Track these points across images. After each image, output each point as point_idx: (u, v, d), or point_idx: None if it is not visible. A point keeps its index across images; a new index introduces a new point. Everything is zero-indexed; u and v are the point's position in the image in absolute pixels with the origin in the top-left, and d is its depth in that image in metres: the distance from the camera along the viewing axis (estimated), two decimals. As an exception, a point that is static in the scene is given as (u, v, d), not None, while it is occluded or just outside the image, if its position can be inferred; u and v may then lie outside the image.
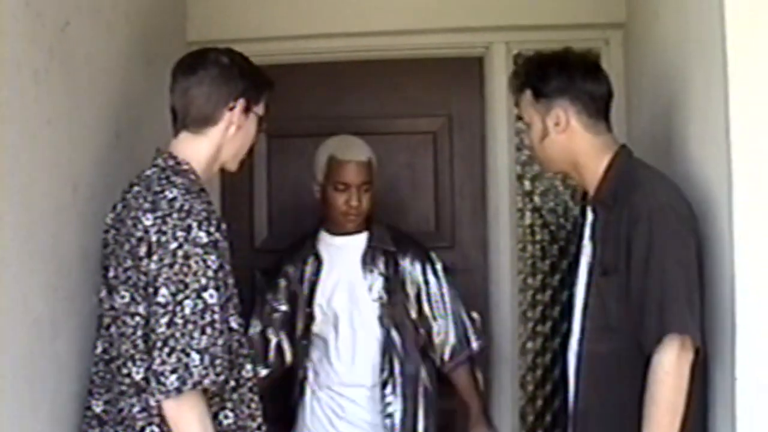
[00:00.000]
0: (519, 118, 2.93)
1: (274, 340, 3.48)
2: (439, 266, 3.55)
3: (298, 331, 3.46)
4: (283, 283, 3.48)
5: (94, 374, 2.50)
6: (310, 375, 3.47)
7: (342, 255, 3.47)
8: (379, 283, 3.44)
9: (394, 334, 3.44)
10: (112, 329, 2.45)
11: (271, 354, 3.48)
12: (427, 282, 3.52)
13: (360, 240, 3.49)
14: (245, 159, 2.75)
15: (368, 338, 3.43)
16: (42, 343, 2.39)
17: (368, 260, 3.46)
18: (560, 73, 2.73)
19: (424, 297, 3.51)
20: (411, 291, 3.50)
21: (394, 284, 3.46)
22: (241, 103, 2.58)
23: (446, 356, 3.53)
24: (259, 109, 2.68)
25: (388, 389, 3.42)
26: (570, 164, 2.76)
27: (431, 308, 3.51)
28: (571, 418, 2.76)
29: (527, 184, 3.95)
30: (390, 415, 3.42)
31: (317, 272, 3.44)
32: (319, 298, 3.43)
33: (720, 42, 2.42)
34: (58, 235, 2.51)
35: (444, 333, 3.52)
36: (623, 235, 2.53)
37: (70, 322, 2.54)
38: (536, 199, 3.94)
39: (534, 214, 3.95)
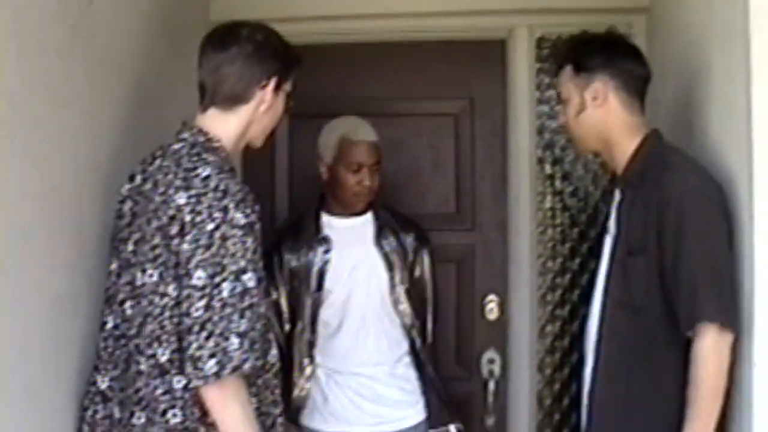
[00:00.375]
0: (557, 95, 2.94)
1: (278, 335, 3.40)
2: (430, 251, 3.59)
3: (305, 317, 3.40)
4: (279, 269, 3.44)
5: (102, 350, 2.46)
6: (322, 360, 3.42)
7: (351, 236, 3.45)
8: (391, 260, 3.45)
9: (409, 310, 3.46)
10: (128, 305, 2.41)
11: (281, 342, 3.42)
12: (422, 263, 3.56)
13: (366, 220, 3.49)
14: (269, 136, 2.72)
15: (385, 316, 3.44)
16: (64, 321, 2.41)
17: (381, 239, 3.47)
18: (603, 49, 2.78)
19: (420, 279, 3.55)
20: (415, 271, 3.53)
21: (403, 262, 3.48)
22: (273, 82, 2.55)
23: (429, 339, 3.56)
24: (288, 86, 2.64)
25: (409, 364, 3.45)
26: (603, 142, 2.78)
27: (424, 291, 3.56)
28: (586, 399, 2.77)
29: (548, 168, 3.94)
30: (413, 391, 3.45)
31: (327, 255, 3.41)
32: (331, 281, 3.40)
33: (743, 25, 2.42)
34: (81, 212, 2.52)
35: (429, 317, 3.57)
36: (653, 216, 2.54)
37: (90, 299, 2.54)
38: (557, 182, 3.94)
39: (554, 197, 3.95)
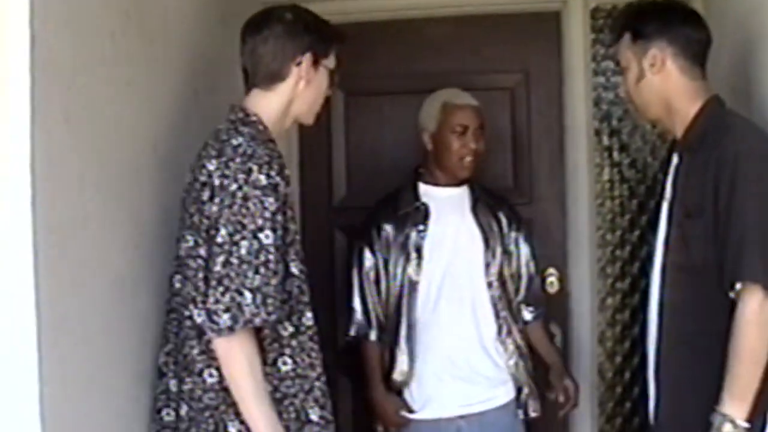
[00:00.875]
0: (617, 64, 2.92)
1: (374, 305, 3.44)
2: (523, 225, 3.57)
3: (395, 288, 3.40)
4: (378, 239, 3.43)
5: (163, 325, 2.57)
6: (417, 332, 3.38)
7: (449, 206, 3.45)
8: (488, 232, 3.45)
9: (500, 284, 3.44)
10: (176, 279, 2.51)
11: (377, 319, 3.43)
12: (517, 240, 3.53)
13: (463, 192, 3.49)
14: (321, 112, 2.75)
15: (480, 288, 3.42)
16: (124, 301, 2.44)
17: (479, 211, 3.46)
18: (660, 16, 2.74)
19: (514, 254, 3.52)
20: (509, 248, 3.51)
21: (498, 237, 3.47)
22: (308, 58, 2.59)
23: (534, 311, 3.56)
24: (329, 62, 2.67)
25: (502, 341, 3.42)
26: (663, 108, 2.74)
27: (519, 265, 3.53)
28: (652, 369, 2.75)
29: (605, 140, 3.92)
30: (503, 369, 3.42)
31: (424, 223, 3.41)
32: (429, 250, 3.39)
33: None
34: (138, 193, 2.55)
35: (525, 291, 3.54)
36: (710, 178, 2.50)
37: (150, 280, 2.58)
38: (615, 154, 3.92)
39: (612, 169, 3.93)
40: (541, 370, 3.54)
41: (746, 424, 2.41)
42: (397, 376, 3.36)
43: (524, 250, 3.55)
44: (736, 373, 2.42)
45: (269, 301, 2.30)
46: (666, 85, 2.70)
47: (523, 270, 3.55)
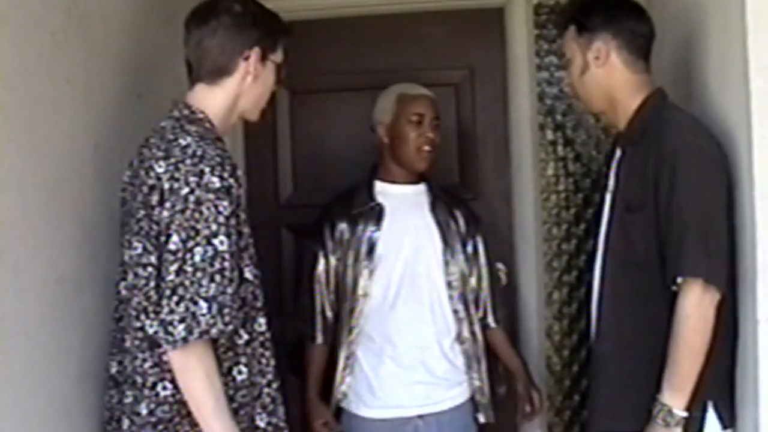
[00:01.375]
0: (561, 56, 2.95)
1: (323, 307, 3.40)
2: (481, 226, 3.55)
3: (348, 289, 3.35)
4: (331, 238, 3.38)
5: (111, 335, 2.48)
6: (374, 335, 3.34)
7: (406, 203, 3.42)
8: (448, 232, 3.43)
9: (461, 285, 3.43)
10: (122, 285, 2.42)
11: (324, 321, 3.40)
12: (476, 241, 3.52)
13: (420, 190, 3.47)
14: (266, 108, 2.70)
15: (439, 289, 3.40)
16: (67, 300, 2.42)
17: (437, 209, 3.45)
18: (605, 9, 2.77)
19: (473, 255, 3.50)
20: (468, 247, 3.49)
21: (456, 236, 3.45)
22: (256, 52, 2.53)
23: (498, 316, 3.55)
24: (277, 57, 2.61)
25: (461, 341, 3.42)
26: (607, 101, 2.77)
27: (479, 267, 3.51)
28: (594, 356, 2.78)
29: (550, 134, 3.93)
30: (468, 368, 3.43)
31: (378, 223, 3.36)
32: (385, 250, 3.34)
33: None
34: (81, 193, 2.53)
35: (487, 291, 3.53)
36: (651, 172, 2.53)
37: (94, 279, 2.55)
38: (559, 148, 3.92)
39: (557, 163, 3.93)
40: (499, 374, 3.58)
41: (684, 413, 2.47)
42: (343, 378, 3.34)
43: (482, 251, 3.53)
44: (675, 364, 2.46)
45: (225, 310, 2.24)
46: (610, 78, 2.73)
47: (484, 271, 3.53)
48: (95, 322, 2.54)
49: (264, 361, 2.48)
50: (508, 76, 4.00)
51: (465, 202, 3.61)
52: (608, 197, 2.77)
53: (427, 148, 3.37)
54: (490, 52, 4.02)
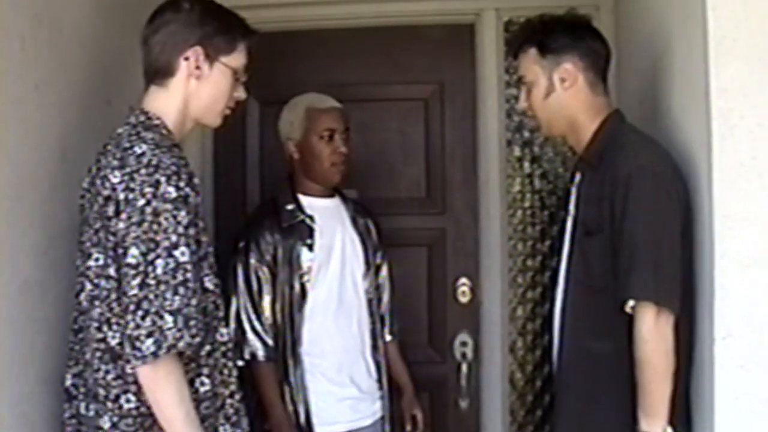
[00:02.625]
0: (519, 79, 2.90)
1: (265, 324, 3.29)
2: (383, 238, 3.58)
3: (284, 304, 3.27)
4: (262, 252, 3.28)
5: (69, 346, 2.43)
6: (308, 348, 3.29)
7: (330, 216, 3.39)
8: (369, 245, 3.46)
9: (376, 298, 3.47)
10: (82, 296, 2.35)
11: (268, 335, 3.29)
12: (383, 254, 3.55)
13: (338, 202, 3.45)
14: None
15: (362, 302, 3.42)
16: (31, 305, 2.42)
17: (357, 221, 3.46)
18: (568, 30, 2.76)
19: (380, 267, 3.54)
20: (378, 259, 3.54)
21: (372, 249, 3.48)
22: (197, 52, 2.43)
23: (394, 329, 3.58)
24: (231, 59, 2.50)
25: (374, 355, 3.45)
26: (569, 124, 2.76)
27: (384, 279, 3.56)
28: (556, 381, 2.79)
29: (517, 150, 3.96)
30: (380, 385, 3.45)
31: (311, 237, 3.31)
32: (317, 264, 3.30)
33: (701, 4, 2.43)
34: (48, 199, 2.53)
35: (388, 304, 3.56)
36: (606, 195, 2.54)
37: (59, 285, 2.53)
38: (526, 165, 3.96)
39: (524, 180, 3.97)
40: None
41: None
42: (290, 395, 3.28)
43: (386, 264, 3.56)
44: (645, 391, 2.47)
45: (192, 323, 2.20)
46: (575, 100, 2.73)
47: (387, 284, 3.56)
48: (58, 328, 2.52)
49: (226, 371, 2.46)
50: (477, 92, 4.02)
51: (373, 213, 3.59)
52: (569, 220, 2.78)
53: (340, 162, 3.34)
54: (459, 68, 4.04)
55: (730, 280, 2.39)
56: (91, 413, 2.32)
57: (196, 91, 2.47)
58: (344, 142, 3.35)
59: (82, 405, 2.36)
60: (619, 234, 2.50)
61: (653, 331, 2.44)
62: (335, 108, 3.38)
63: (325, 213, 3.38)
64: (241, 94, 2.58)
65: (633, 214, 2.48)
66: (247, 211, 4.02)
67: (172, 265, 2.19)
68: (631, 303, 2.46)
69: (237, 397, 2.48)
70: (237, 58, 2.53)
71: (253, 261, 3.28)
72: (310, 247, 3.30)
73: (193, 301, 2.21)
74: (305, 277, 3.29)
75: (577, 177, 2.80)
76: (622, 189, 2.50)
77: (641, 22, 3.26)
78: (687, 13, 2.60)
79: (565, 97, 2.73)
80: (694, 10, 2.50)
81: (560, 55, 2.72)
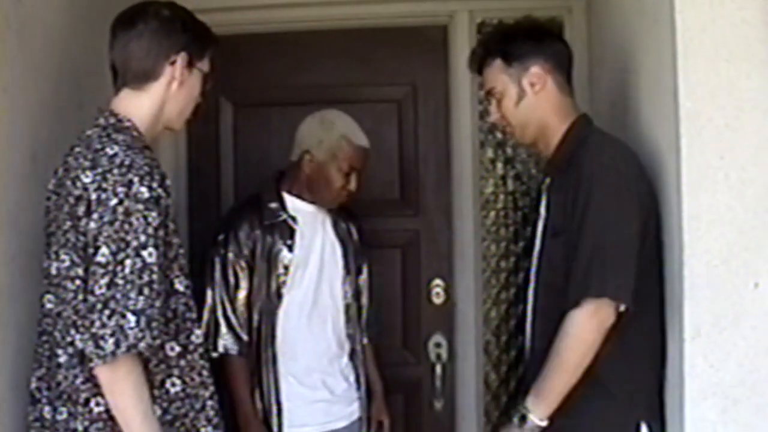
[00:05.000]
0: (487, 93, 2.87)
1: (240, 319, 3.30)
2: (365, 242, 3.60)
3: (259, 301, 3.29)
4: (241, 248, 3.29)
5: (34, 349, 2.43)
6: (280, 348, 3.31)
7: (313, 219, 3.39)
8: (349, 249, 3.47)
9: (355, 302, 3.48)
10: (46, 299, 2.37)
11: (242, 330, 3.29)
12: (364, 257, 3.57)
13: (319, 207, 3.44)
14: (191, 119, 2.64)
15: (338, 306, 3.43)
16: (1, 310, 2.41)
17: (338, 226, 3.46)
18: (530, 35, 2.77)
19: (363, 270, 3.57)
20: (360, 264, 3.55)
21: (352, 253, 3.49)
22: (182, 57, 2.49)
23: (371, 333, 3.60)
24: (203, 65, 2.57)
25: (353, 358, 3.47)
26: (541, 127, 2.76)
27: (363, 283, 3.58)
28: (528, 379, 2.80)
29: (490, 152, 3.98)
30: (358, 385, 3.47)
31: (292, 238, 3.32)
32: (295, 266, 3.30)
33: (668, 7, 2.46)
34: (17, 202, 2.52)
35: (366, 308, 3.59)
36: (570, 198, 2.56)
37: (29, 289, 2.52)
38: (499, 166, 3.97)
39: (497, 181, 3.98)
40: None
41: (540, 423, 2.52)
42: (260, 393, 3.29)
43: (366, 267, 3.58)
44: (546, 376, 2.53)
45: (153, 324, 2.20)
46: (546, 102, 2.74)
47: (366, 287, 3.58)
48: (28, 334, 2.50)
49: (205, 372, 2.46)
50: (450, 93, 4.02)
51: (357, 217, 3.61)
52: (540, 223, 2.80)
53: (343, 197, 3.37)
54: (432, 69, 4.03)
55: (698, 280, 2.41)
56: (64, 416, 2.31)
57: (175, 95, 2.51)
58: (357, 180, 3.36)
59: (46, 408, 2.36)
60: (579, 231, 2.52)
61: (579, 328, 2.48)
62: (364, 148, 3.38)
63: (308, 215, 3.39)
64: (200, 98, 2.63)
65: (595, 213, 2.50)
66: (221, 212, 3.99)
67: (139, 265, 2.20)
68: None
69: (216, 398, 2.49)
70: (206, 64, 2.59)
71: (231, 255, 3.29)
72: (290, 248, 3.30)
73: (157, 303, 2.22)
74: (282, 278, 3.29)
75: (547, 180, 2.81)
76: (584, 188, 2.52)
77: (613, 25, 3.28)
78: (656, 15, 2.62)
79: (536, 101, 2.74)
80: (663, 13, 2.52)
81: (526, 61, 2.73)
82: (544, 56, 2.73)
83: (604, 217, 2.50)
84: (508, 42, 2.78)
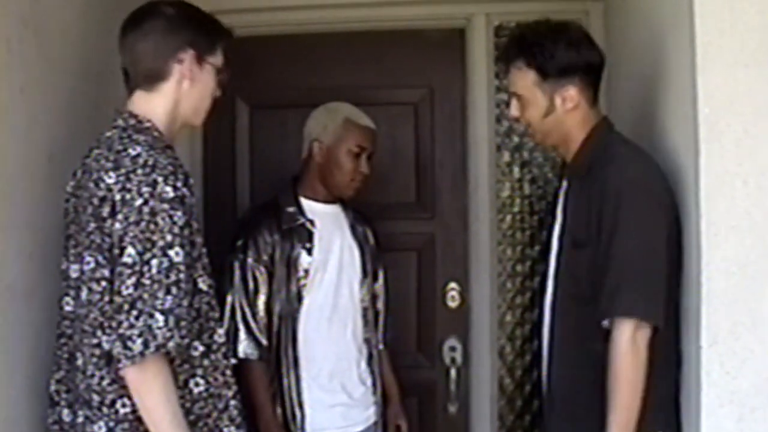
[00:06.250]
0: (514, 93, 2.80)
1: (259, 324, 3.27)
2: (381, 246, 3.60)
3: (279, 305, 3.27)
4: (260, 252, 3.27)
5: (53, 351, 2.43)
6: (301, 352, 3.29)
7: (331, 222, 3.40)
8: (366, 253, 3.47)
9: (372, 306, 3.49)
10: (65, 301, 2.38)
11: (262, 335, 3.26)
12: (382, 262, 3.58)
13: (338, 209, 3.45)
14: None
15: (357, 310, 3.42)
16: (16, 309, 2.41)
17: (356, 229, 3.47)
18: (568, 51, 2.67)
19: (379, 274, 3.57)
20: (377, 268, 3.56)
21: (370, 257, 3.49)
22: (190, 54, 2.47)
23: (387, 338, 3.60)
24: (215, 59, 2.55)
25: (370, 363, 3.46)
26: (563, 135, 2.74)
27: (380, 287, 3.58)
28: (545, 389, 2.79)
29: (506, 155, 3.96)
30: (374, 389, 3.46)
31: (311, 241, 3.32)
32: (314, 270, 3.30)
33: (689, 10, 2.45)
34: (34, 202, 2.52)
35: (383, 313, 3.59)
36: (595, 209, 2.54)
37: (46, 288, 2.52)
38: (515, 170, 3.96)
39: (513, 185, 3.96)
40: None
41: None
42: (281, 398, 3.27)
43: (382, 273, 3.58)
44: (618, 403, 2.47)
45: (182, 323, 2.20)
46: (573, 119, 2.70)
47: (383, 292, 3.58)
48: (45, 333, 2.50)
49: (228, 372, 2.46)
50: (466, 96, 4.01)
51: (372, 221, 3.60)
52: (557, 227, 2.78)
53: (358, 180, 3.37)
54: (449, 72, 4.03)
55: (716, 287, 2.40)
56: (80, 419, 2.31)
57: (187, 93, 2.50)
58: (368, 162, 3.37)
59: (65, 411, 2.36)
60: (608, 248, 2.50)
61: (632, 345, 2.45)
62: (371, 128, 3.40)
63: (326, 218, 3.39)
64: (218, 92, 2.62)
65: (623, 230, 2.48)
66: (237, 214, 4.01)
67: (166, 264, 2.20)
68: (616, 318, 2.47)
69: (239, 397, 2.49)
70: (218, 58, 2.57)
71: (250, 260, 3.28)
72: (309, 251, 3.30)
73: (185, 302, 2.22)
74: (302, 281, 3.29)
75: (564, 184, 2.79)
76: (611, 203, 2.50)
77: (631, 28, 3.27)
78: (675, 20, 2.61)
79: (564, 117, 2.71)
80: (682, 17, 2.51)
81: (562, 78, 2.67)
82: (581, 74, 2.68)
83: (634, 237, 2.48)
84: (545, 56, 2.67)
